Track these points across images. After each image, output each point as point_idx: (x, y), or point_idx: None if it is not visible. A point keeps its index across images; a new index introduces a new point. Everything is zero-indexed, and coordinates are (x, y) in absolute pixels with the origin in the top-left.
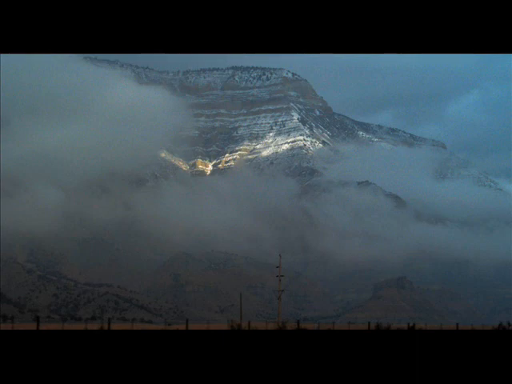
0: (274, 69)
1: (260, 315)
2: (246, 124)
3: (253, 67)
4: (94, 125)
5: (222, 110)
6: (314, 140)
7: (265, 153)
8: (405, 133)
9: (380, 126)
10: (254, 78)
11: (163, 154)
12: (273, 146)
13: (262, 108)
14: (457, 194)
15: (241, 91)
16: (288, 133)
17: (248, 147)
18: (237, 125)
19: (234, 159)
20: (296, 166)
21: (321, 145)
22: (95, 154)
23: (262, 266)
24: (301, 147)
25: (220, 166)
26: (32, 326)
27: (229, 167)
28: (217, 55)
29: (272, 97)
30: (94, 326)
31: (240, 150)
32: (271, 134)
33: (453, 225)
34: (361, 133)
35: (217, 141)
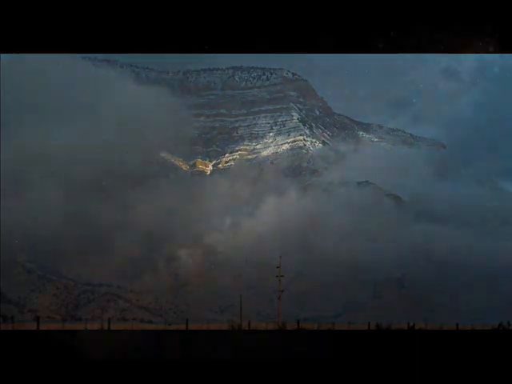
0: (274, 69)
1: (260, 315)
2: (245, 124)
3: (253, 67)
4: (94, 125)
5: (222, 110)
6: (313, 140)
7: (265, 153)
8: (405, 133)
9: (380, 126)
10: (254, 78)
11: (163, 154)
12: (273, 146)
13: (262, 108)
14: (457, 194)
15: (241, 91)
16: (288, 133)
17: (248, 147)
18: (237, 125)
19: (234, 159)
20: (296, 166)
21: (321, 145)
22: (95, 154)
23: (262, 266)
24: (301, 147)
25: (220, 166)
26: (32, 326)
27: (229, 167)
28: (217, 55)
29: (272, 97)
30: (94, 326)
31: (240, 150)
32: (271, 134)
33: (453, 225)
34: (361, 133)
35: (217, 141)
